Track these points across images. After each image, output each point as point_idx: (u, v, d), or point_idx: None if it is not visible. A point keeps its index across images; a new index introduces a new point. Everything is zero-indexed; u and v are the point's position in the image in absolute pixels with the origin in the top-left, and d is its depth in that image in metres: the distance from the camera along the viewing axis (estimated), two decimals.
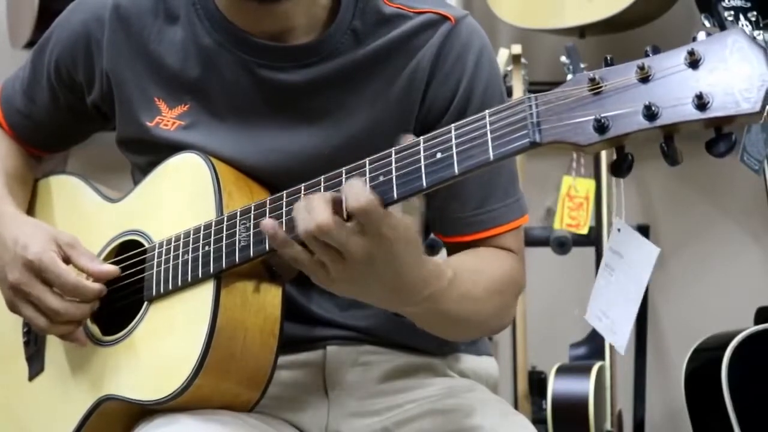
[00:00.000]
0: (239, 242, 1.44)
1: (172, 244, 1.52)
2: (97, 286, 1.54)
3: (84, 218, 1.68)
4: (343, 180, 1.32)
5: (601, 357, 2.72)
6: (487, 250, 1.55)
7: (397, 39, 1.55)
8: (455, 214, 1.55)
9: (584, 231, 2.81)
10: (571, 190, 2.80)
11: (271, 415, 1.57)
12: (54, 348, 1.63)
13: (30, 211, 1.72)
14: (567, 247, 2.81)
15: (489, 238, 1.56)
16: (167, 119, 1.59)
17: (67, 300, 1.53)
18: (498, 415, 1.55)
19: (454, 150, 1.25)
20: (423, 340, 1.63)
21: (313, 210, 1.27)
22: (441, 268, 1.38)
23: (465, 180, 1.34)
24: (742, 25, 2.46)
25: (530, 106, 1.20)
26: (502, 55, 2.71)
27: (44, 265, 1.53)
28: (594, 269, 2.83)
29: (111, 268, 1.55)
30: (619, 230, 1.31)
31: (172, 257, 1.51)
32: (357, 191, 1.26)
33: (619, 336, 1.35)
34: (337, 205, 1.27)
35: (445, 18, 1.56)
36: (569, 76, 1.22)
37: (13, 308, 1.59)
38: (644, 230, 3.11)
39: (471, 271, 1.46)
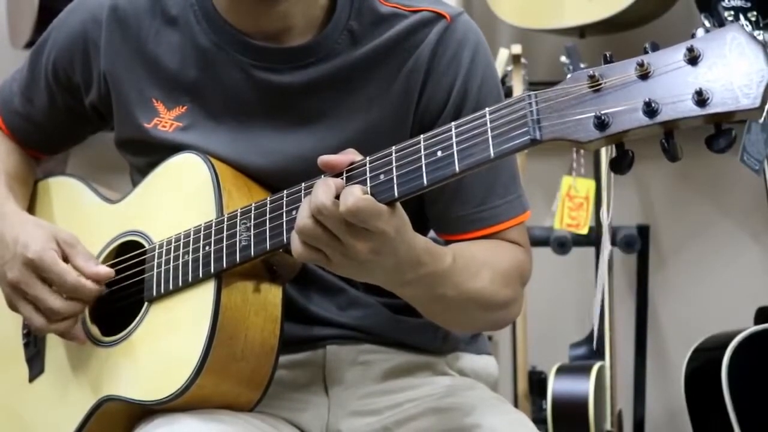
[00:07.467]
0: (240, 242, 1.44)
1: (173, 244, 1.52)
2: (96, 286, 1.54)
3: (84, 220, 1.67)
4: (344, 179, 1.32)
5: (601, 357, 2.72)
6: (491, 241, 1.55)
7: (393, 39, 1.55)
8: (457, 212, 1.55)
9: (584, 231, 2.80)
10: (571, 190, 2.80)
11: (271, 415, 1.57)
12: (54, 349, 1.63)
13: (30, 212, 1.71)
14: (567, 247, 2.81)
15: (492, 235, 1.56)
16: (165, 120, 1.58)
17: (65, 299, 1.53)
18: (498, 414, 1.55)
19: (455, 148, 1.25)
20: (422, 339, 1.63)
21: (317, 189, 1.29)
22: (440, 250, 1.39)
23: (466, 178, 1.35)
24: (742, 25, 2.46)
25: (530, 103, 1.20)
26: (502, 55, 2.70)
27: (44, 265, 1.53)
28: (594, 269, 2.83)
29: (106, 270, 1.55)
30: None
31: (172, 258, 1.51)
32: (346, 193, 1.27)
33: None
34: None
35: (440, 16, 1.56)
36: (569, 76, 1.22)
37: (11, 306, 1.59)
38: (644, 230, 3.10)
39: (474, 259, 1.46)
